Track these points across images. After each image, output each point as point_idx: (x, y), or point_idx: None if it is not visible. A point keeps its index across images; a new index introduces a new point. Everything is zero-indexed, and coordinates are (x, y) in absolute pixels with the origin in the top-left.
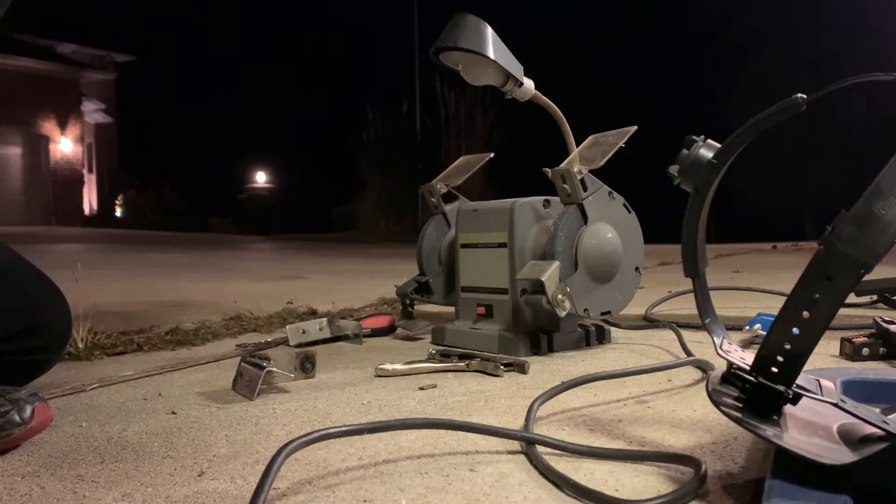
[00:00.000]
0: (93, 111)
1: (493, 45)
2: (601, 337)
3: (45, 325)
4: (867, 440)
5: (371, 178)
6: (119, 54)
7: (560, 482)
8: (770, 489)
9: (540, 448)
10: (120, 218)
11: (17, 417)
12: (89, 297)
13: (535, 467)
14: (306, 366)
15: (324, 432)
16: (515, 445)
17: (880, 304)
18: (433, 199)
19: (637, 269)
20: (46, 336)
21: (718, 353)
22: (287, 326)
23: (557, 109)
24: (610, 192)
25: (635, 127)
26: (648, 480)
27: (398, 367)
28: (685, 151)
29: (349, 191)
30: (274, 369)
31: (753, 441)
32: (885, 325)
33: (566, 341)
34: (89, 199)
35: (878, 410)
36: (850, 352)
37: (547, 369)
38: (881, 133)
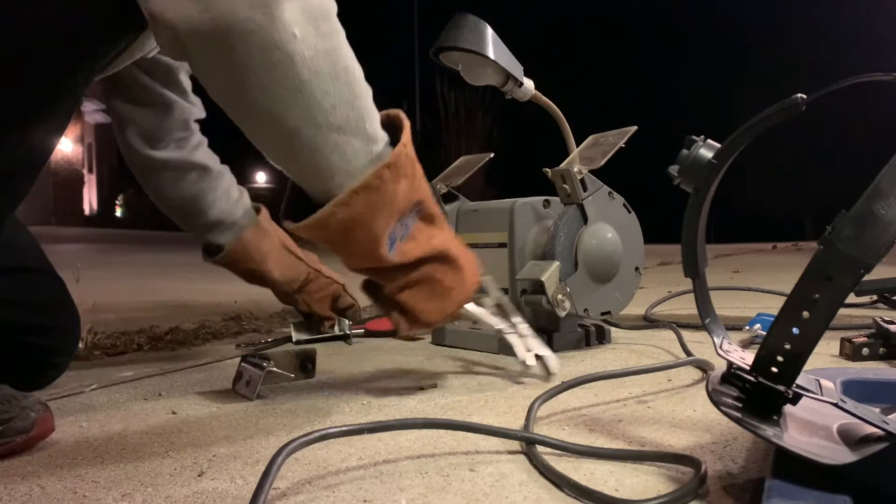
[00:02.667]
0: (93, 111)
1: (492, 45)
2: (601, 337)
3: (60, 328)
4: (867, 440)
5: None
6: None
7: (560, 482)
8: (770, 489)
9: (540, 448)
10: (120, 218)
11: (20, 424)
12: (89, 297)
13: (535, 467)
14: (306, 366)
15: (324, 432)
16: (515, 445)
17: (880, 304)
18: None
19: (637, 269)
20: (58, 338)
21: (718, 353)
22: (292, 322)
23: (557, 109)
24: (610, 192)
25: (635, 127)
26: (648, 480)
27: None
28: (685, 151)
29: None
30: (274, 369)
31: (753, 441)
32: (885, 325)
33: (566, 341)
34: (89, 199)
35: (878, 410)
36: (850, 352)
37: None
38: (881, 133)
